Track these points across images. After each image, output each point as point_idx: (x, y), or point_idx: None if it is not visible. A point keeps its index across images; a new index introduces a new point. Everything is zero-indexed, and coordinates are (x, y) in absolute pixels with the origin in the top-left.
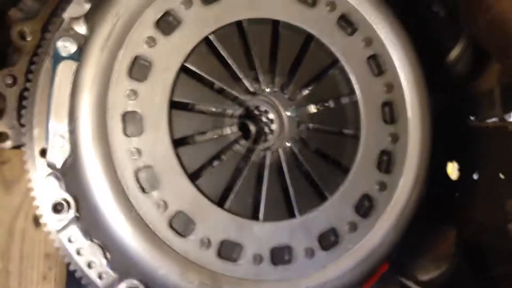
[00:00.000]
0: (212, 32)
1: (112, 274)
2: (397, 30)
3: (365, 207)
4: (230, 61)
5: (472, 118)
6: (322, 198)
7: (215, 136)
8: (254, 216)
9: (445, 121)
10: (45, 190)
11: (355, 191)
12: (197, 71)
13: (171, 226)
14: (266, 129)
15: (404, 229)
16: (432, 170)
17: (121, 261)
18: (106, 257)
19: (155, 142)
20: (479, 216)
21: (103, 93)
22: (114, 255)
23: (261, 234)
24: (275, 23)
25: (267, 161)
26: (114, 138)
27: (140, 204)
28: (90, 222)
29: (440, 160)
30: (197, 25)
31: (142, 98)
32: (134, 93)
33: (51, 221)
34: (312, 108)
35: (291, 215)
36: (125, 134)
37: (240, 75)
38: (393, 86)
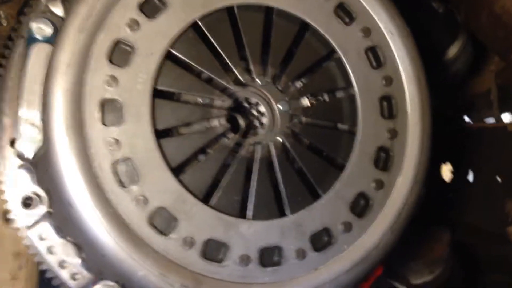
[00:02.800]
0: (201, 17)
1: (86, 274)
2: (397, 21)
3: (361, 207)
4: (219, 49)
5: (467, 118)
6: (315, 196)
7: (202, 128)
8: (242, 214)
9: (439, 121)
10: (15, 183)
11: (350, 189)
12: (183, 58)
13: (151, 223)
14: (257, 123)
15: (401, 231)
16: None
17: (96, 261)
18: (80, 256)
19: (136, 133)
20: (474, 219)
21: (79, 79)
22: (89, 254)
23: (249, 234)
24: (269, 10)
25: (257, 156)
26: (90, 128)
27: (118, 200)
28: (63, 218)
29: (433, 161)
30: (184, 9)
31: (123, 85)
32: (114, 79)
33: (21, 217)
34: (306, 101)
35: (282, 213)
36: (103, 123)
37: (230, 65)
38: (392, 79)
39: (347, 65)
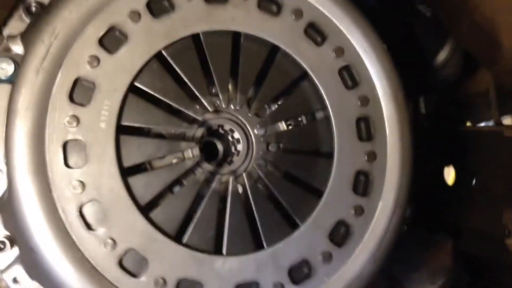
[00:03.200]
0: (165, 47)
1: None
2: (371, 38)
3: (341, 235)
4: (186, 78)
5: (468, 121)
6: (293, 227)
7: (174, 161)
8: (217, 250)
9: (441, 125)
10: None
11: (329, 217)
12: (148, 91)
13: (121, 266)
14: (233, 149)
15: (384, 257)
16: (428, 176)
17: None
18: None
19: (101, 173)
20: (476, 224)
21: (39, 121)
22: None
23: (223, 270)
24: (236, 35)
25: (230, 188)
26: (53, 171)
27: (85, 244)
28: (30, 264)
29: (436, 164)
30: (146, 40)
31: (85, 125)
32: (76, 119)
33: None
34: (282, 126)
35: (259, 247)
36: (67, 165)
37: (198, 94)
38: (368, 99)
39: (320, 87)
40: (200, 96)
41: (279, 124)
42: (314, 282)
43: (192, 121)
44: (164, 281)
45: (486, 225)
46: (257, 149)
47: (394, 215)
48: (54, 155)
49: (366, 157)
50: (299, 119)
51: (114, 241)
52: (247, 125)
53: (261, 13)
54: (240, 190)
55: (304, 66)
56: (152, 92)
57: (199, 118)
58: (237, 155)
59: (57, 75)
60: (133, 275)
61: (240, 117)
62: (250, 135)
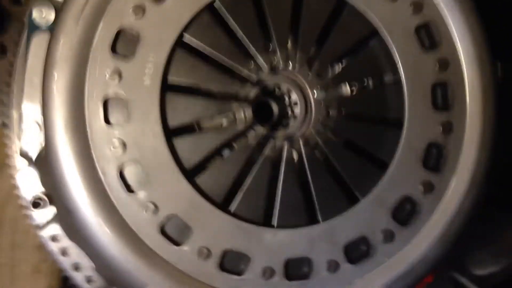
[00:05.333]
0: None
1: (100, 280)
2: None
3: (405, 213)
4: (241, 33)
5: None
6: (352, 201)
7: (224, 123)
8: (266, 222)
9: None
10: (28, 180)
11: (393, 193)
12: (197, 45)
13: (162, 232)
14: (289, 112)
15: (454, 240)
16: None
17: (105, 270)
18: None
19: (144, 133)
20: None
21: (79, 74)
22: (96, 263)
23: (273, 244)
24: None
25: (284, 154)
26: (93, 128)
27: (125, 207)
28: (67, 225)
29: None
30: None
31: (129, 79)
32: (118, 73)
33: (33, 216)
34: (345, 89)
35: (312, 221)
36: (107, 122)
37: (253, 50)
38: (448, 63)
39: (393, 47)
40: (255, 53)
41: (342, 87)
42: (372, 262)
43: (245, 80)
44: (209, 252)
45: None
46: (316, 114)
47: (469, 195)
48: (94, 111)
49: (441, 128)
50: (365, 82)
51: (155, 205)
52: (307, 87)
53: None
54: (296, 157)
55: (375, 22)
56: (202, 47)
57: (253, 77)
58: (294, 118)
59: (99, 24)
60: (175, 242)
61: (299, 77)
62: (309, 98)
